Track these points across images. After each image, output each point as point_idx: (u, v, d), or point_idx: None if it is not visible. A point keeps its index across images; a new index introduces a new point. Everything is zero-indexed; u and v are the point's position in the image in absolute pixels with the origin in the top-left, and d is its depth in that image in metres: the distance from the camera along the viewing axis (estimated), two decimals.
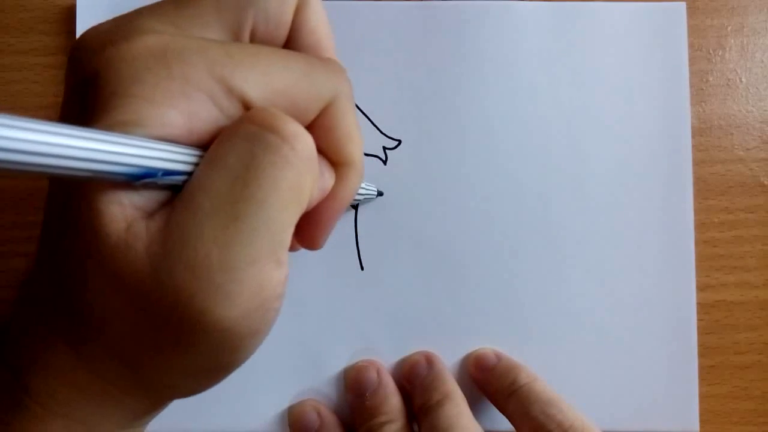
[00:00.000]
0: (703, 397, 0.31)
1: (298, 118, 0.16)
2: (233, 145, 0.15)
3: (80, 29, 0.31)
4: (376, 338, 0.31)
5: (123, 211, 0.15)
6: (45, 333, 0.17)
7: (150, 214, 0.15)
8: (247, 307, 0.16)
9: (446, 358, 0.30)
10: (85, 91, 0.16)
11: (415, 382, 0.29)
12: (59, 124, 0.13)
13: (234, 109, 0.16)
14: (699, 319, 0.31)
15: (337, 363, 0.30)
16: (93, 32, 0.17)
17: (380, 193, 0.31)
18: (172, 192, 0.16)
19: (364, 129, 0.31)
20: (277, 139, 0.15)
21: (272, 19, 0.18)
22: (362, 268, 0.31)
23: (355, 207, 0.31)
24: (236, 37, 0.17)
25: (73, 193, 0.16)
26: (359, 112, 0.31)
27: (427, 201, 0.31)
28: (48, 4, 0.31)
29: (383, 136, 0.31)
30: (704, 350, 0.31)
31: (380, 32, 0.31)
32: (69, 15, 0.31)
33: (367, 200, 0.31)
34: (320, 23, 0.19)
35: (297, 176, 0.16)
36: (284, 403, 0.30)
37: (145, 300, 0.15)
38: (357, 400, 0.29)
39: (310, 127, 0.17)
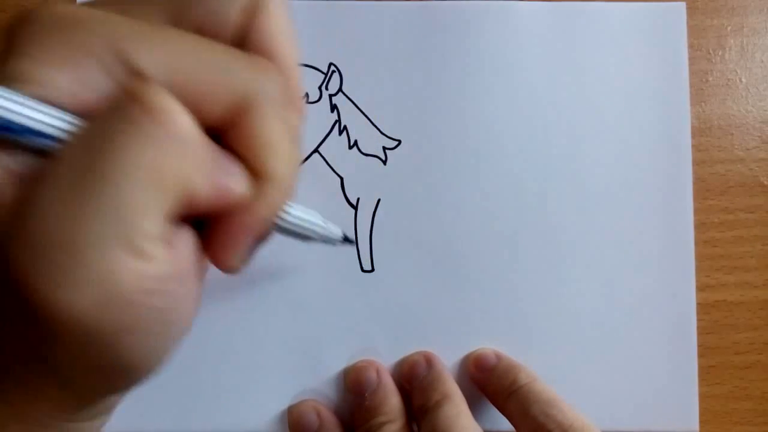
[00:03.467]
0: (703, 397, 0.31)
1: (203, 110, 0.15)
2: (99, 115, 0.14)
3: None
4: (376, 338, 0.31)
5: None
6: None
7: (23, 181, 0.14)
8: (99, 298, 0.14)
9: (446, 358, 0.30)
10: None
11: (414, 383, 0.29)
12: None
13: None
14: (699, 319, 0.31)
15: (337, 363, 0.30)
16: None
17: (349, 240, 0.28)
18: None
19: (364, 129, 0.31)
20: (139, 112, 0.14)
21: (212, 15, 0.17)
22: (362, 269, 0.31)
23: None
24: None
25: None
26: (360, 112, 0.31)
27: (426, 201, 0.31)
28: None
29: (383, 136, 0.31)
30: (704, 350, 0.31)
31: (380, 32, 0.31)
32: None
33: (328, 241, 0.26)
34: (277, 31, 0.17)
35: (159, 156, 0.14)
36: (284, 403, 0.30)
37: None
38: (357, 400, 0.30)
39: (229, 130, 0.16)
